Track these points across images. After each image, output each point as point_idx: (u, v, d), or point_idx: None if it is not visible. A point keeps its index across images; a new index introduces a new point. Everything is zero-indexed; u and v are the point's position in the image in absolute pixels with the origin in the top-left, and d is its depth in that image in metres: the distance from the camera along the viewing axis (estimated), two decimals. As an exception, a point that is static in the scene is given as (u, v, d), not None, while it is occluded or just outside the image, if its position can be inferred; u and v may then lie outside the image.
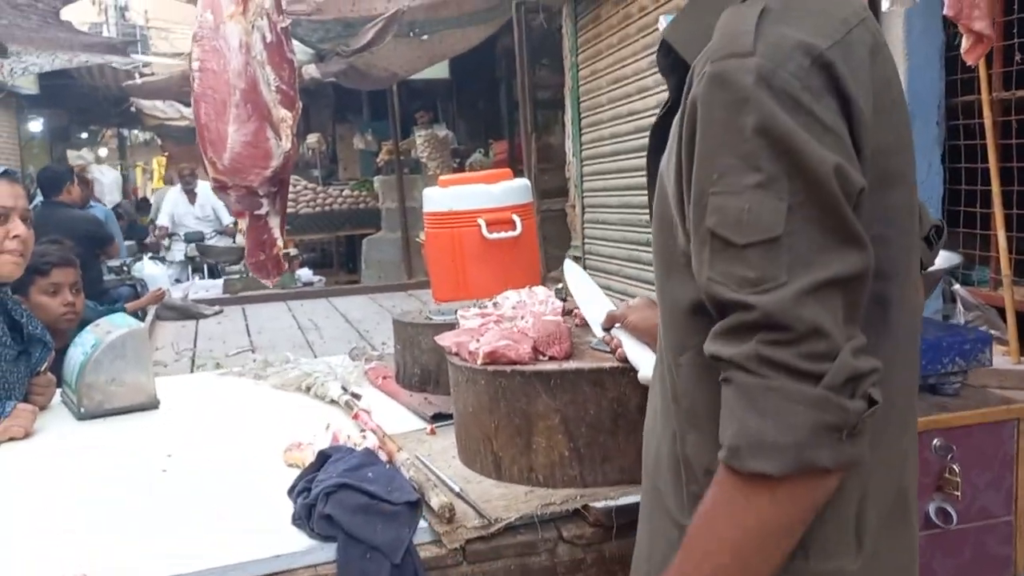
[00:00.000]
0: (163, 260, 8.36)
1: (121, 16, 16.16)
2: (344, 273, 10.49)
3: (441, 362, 2.08)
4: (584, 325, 1.94)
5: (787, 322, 0.72)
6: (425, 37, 6.44)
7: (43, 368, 2.21)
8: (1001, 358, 2.11)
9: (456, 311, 2.18)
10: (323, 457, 1.44)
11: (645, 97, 4.56)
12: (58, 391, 2.26)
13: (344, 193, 9.83)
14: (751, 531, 0.76)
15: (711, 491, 0.78)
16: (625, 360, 1.41)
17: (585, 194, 6.00)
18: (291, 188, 9.72)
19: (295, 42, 7.17)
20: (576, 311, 1.82)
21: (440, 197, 4.02)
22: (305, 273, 8.03)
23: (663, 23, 1.84)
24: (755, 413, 0.73)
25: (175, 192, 9.29)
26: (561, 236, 6.72)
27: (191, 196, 8.98)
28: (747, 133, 0.75)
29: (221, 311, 6.49)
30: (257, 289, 7.55)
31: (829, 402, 0.72)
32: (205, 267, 8.66)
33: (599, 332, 1.54)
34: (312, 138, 12.60)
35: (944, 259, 1.70)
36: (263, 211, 1.32)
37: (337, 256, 10.87)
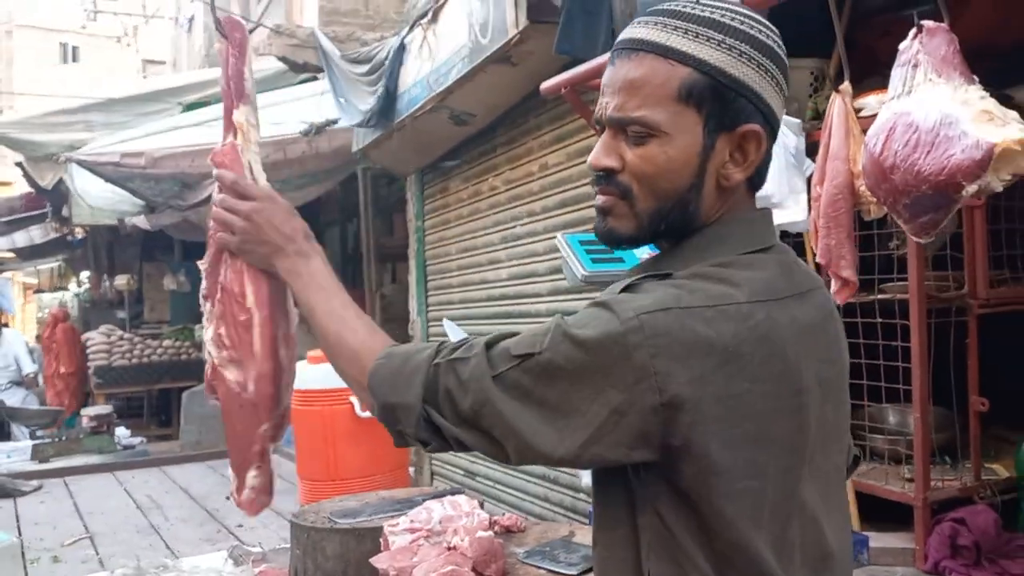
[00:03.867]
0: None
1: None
2: (156, 426, 9.81)
3: (347, 568, 2.06)
4: (507, 531, 2.01)
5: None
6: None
7: None
8: None
9: (367, 513, 2.18)
10: None
11: (497, 269, 4.78)
12: None
13: (165, 343, 9.34)
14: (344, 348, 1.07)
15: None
16: None
17: (431, 353, 6.05)
18: (106, 338, 9.16)
19: (127, 193, 6.98)
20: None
21: (310, 375, 3.98)
22: (123, 433, 7.45)
23: (561, 240, 2.02)
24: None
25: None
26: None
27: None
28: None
29: (41, 486, 5.92)
30: (73, 455, 6.86)
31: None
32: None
33: None
34: (121, 280, 11.92)
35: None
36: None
37: (149, 407, 10.17)
